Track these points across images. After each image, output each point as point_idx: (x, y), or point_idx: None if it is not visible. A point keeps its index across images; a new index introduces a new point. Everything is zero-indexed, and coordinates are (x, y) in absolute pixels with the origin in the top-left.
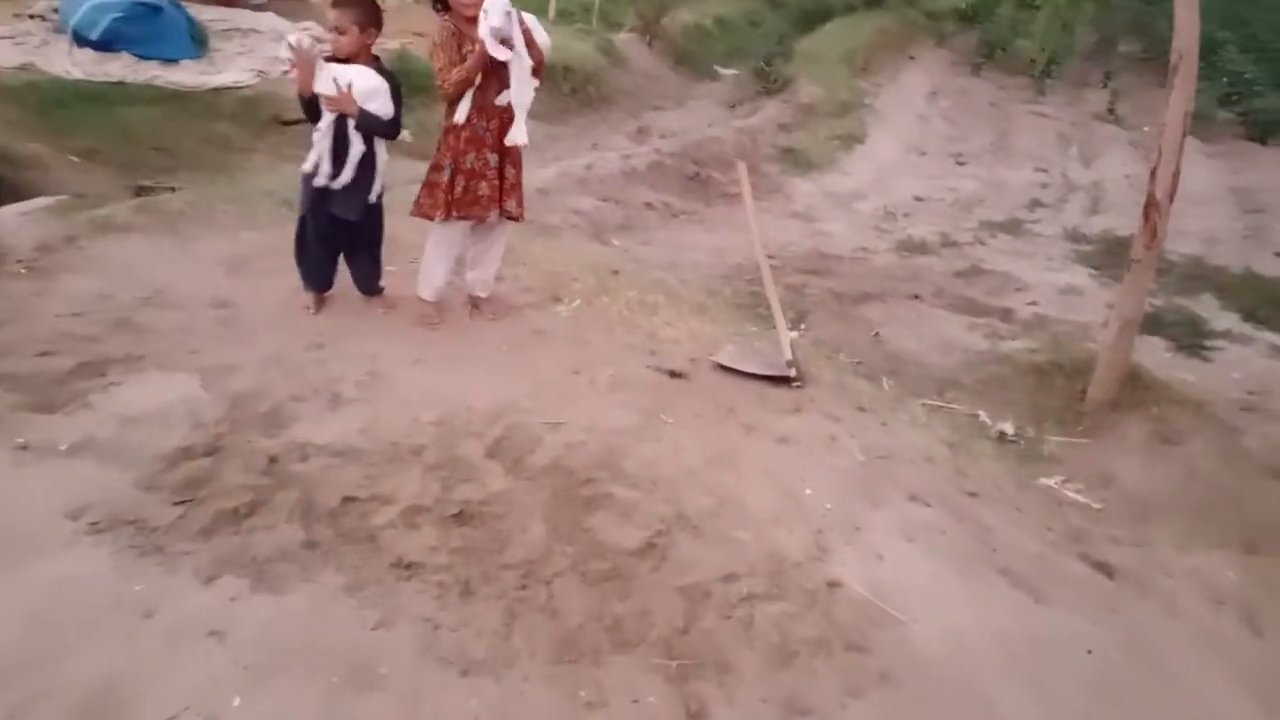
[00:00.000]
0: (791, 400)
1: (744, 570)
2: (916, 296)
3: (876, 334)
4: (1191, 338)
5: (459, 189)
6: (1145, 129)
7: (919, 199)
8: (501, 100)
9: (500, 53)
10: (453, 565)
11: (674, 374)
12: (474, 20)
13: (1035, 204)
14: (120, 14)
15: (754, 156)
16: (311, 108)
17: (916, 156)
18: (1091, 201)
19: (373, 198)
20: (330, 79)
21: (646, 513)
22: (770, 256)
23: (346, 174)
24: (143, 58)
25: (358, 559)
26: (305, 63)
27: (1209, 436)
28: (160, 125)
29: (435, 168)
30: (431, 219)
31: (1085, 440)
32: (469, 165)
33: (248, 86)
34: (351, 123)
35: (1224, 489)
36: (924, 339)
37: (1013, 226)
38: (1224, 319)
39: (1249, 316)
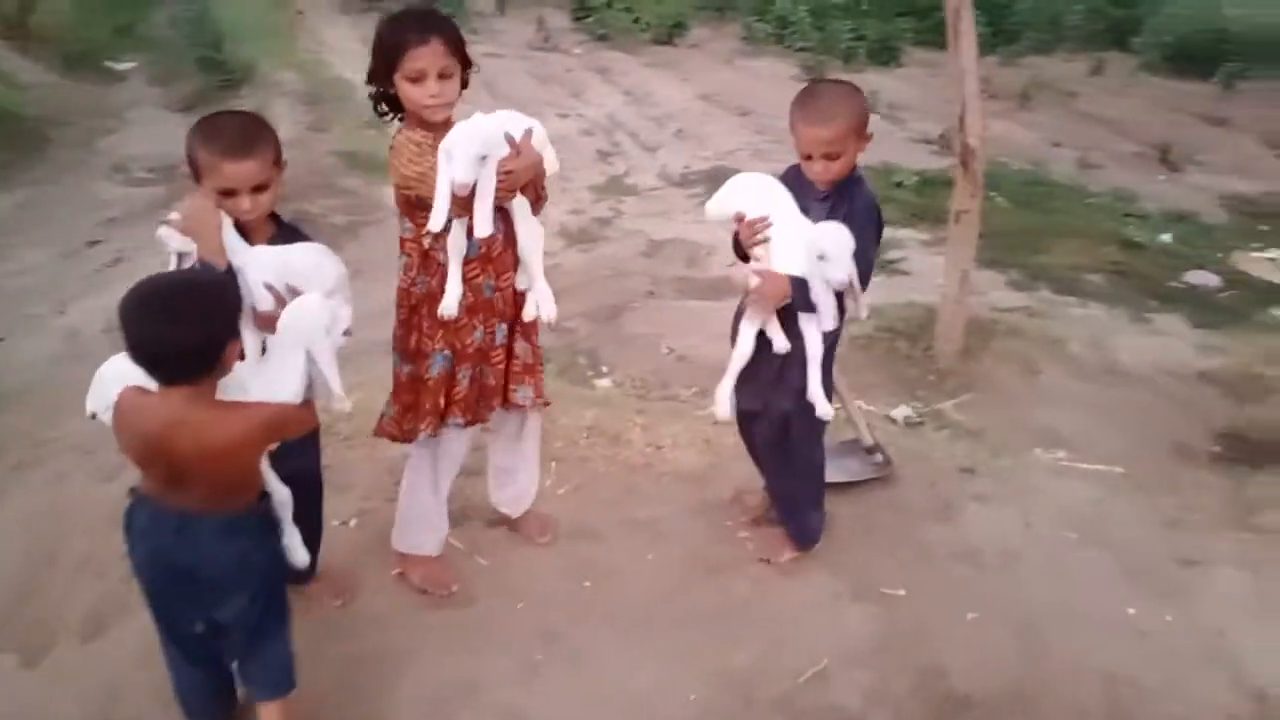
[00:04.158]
0: (921, 495)
1: None
2: (651, 293)
3: (669, 350)
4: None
5: (463, 382)
6: (577, 51)
7: None
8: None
9: (481, 226)
10: None
11: None
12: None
13: (604, 156)
14: None
15: (328, 173)
16: None
17: None
18: (631, 139)
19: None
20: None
21: None
22: None
23: None
24: None
25: None
26: None
27: (1051, 356)
28: None
29: (416, 355)
30: (413, 439)
31: (969, 396)
32: (478, 343)
33: None
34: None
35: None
36: (713, 339)
37: (619, 187)
38: None
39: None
